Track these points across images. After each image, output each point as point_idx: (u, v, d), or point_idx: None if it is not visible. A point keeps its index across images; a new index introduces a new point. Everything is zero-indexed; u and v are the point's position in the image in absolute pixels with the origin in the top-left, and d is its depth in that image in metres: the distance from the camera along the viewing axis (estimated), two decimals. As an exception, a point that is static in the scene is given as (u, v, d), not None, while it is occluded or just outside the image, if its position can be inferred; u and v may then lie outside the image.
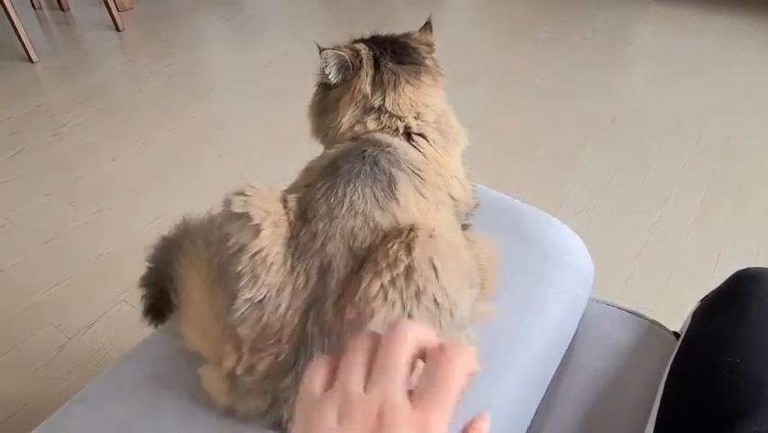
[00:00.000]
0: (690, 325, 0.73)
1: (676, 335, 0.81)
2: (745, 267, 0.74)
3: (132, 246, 1.57)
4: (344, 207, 0.57)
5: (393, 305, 0.52)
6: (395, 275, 0.52)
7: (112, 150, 2.00)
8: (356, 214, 0.57)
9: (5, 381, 1.28)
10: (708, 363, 0.64)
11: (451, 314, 0.55)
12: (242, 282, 0.55)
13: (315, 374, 0.37)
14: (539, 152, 1.96)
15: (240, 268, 0.54)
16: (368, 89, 0.67)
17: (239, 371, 0.57)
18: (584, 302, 0.81)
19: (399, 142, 0.66)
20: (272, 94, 2.31)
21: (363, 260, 0.55)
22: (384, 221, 0.57)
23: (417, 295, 0.53)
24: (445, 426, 0.34)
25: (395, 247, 0.54)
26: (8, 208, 1.75)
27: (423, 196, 0.62)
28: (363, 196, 0.58)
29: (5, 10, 2.35)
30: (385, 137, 0.65)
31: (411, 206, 0.59)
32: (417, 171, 0.63)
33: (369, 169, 0.59)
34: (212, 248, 0.60)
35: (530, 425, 0.70)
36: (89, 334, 1.37)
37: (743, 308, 0.69)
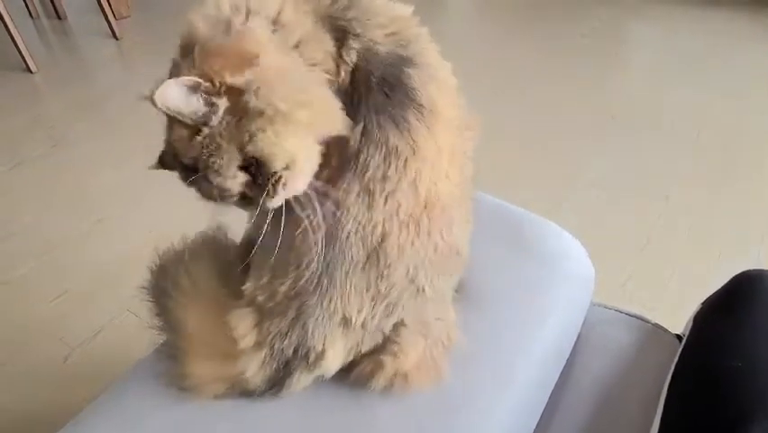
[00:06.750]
0: (692, 328, 0.73)
1: (678, 337, 0.81)
2: (746, 269, 0.74)
3: (134, 255, 1.55)
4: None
5: None
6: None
7: (112, 159, 2.00)
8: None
9: (10, 394, 1.29)
10: (712, 368, 0.64)
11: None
12: None
13: None
14: (537, 151, 1.96)
15: None
16: None
17: (260, 297, 0.59)
18: (586, 308, 0.81)
19: None
20: (271, 99, 2.30)
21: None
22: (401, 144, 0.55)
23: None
24: None
25: None
26: (9, 220, 1.75)
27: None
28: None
29: (3, 20, 2.35)
30: None
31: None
32: None
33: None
34: None
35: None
36: (93, 344, 1.37)
37: (745, 311, 0.69)
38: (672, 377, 0.67)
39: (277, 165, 0.50)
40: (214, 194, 0.53)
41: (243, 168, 0.51)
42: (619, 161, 1.91)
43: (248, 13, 0.52)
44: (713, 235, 1.61)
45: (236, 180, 0.52)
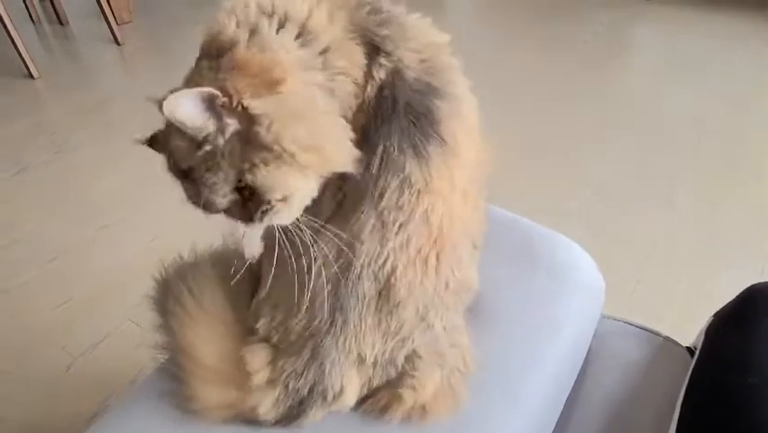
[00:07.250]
0: (705, 342, 0.72)
1: (689, 350, 0.80)
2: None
3: (138, 263, 1.54)
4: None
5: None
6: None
7: (115, 164, 1.99)
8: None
9: (12, 403, 1.28)
10: (725, 383, 0.64)
11: None
12: None
13: None
14: (540, 157, 1.95)
15: None
16: None
17: (275, 336, 0.59)
18: (596, 319, 0.81)
19: None
20: (273, 104, 2.30)
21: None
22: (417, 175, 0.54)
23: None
24: None
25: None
26: (11, 228, 1.74)
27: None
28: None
29: (4, 25, 2.35)
30: None
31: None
32: None
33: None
34: None
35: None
36: (96, 353, 1.37)
37: (756, 325, 0.69)
38: (686, 392, 0.67)
39: (272, 196, 0.49)
40: (198, 202, 0.51)
41: (237, 189, 0.50)
42: (622, 166, 1.90)
43: (279, 22, 0.50)
44: (719, 241, 1.60)
45: (225, 198, 0.50)
